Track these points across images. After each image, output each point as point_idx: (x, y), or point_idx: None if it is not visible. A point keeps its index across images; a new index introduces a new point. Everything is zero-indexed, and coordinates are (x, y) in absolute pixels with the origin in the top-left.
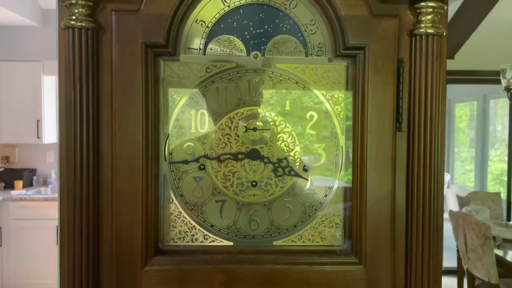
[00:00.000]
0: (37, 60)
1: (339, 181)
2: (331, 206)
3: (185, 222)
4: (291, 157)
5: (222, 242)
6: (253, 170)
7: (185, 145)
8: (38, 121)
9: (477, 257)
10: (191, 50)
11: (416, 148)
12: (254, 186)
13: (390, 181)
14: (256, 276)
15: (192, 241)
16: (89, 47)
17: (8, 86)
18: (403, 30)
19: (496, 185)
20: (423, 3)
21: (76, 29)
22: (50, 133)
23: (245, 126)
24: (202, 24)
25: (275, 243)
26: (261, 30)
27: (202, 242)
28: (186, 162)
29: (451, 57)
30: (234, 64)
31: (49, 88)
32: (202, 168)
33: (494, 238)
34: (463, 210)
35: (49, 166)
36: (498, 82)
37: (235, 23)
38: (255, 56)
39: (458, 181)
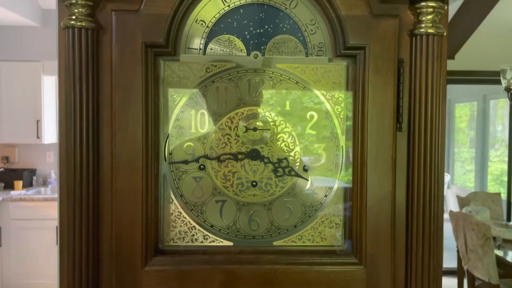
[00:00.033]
0: (37, 60)
1: (339, 181)
2: (331, 206)
3: (185, 222)
4: (291, 157)
5: (222, 242)
6: (253, 170)
7: (185, 145)
8: (38, 121)
9: (477, 257)
10: (191, 50)
11: (417, 148)
12: (254, 186)
13: (390, 181)
14: (256, 276)
15: (192, 241)
16: (89, 47)
17: (8, 86)
18: (403, 30)
19: (496, 186)
20: (423, 3)
21: (76, 29)
22: (50, 133)
23: (245, 126)
24: (202, 24)
25: (275, 243)
26: (261, 30)
27: (202, 242)
28: (186, 162)
29: (451, 57)
30: (234, 64)
31: (49, 88)
32: (202, 168)
33: (494, 238)
34: (463, 210)
35: (49, 166)
36: (498, 82)
37: (235, 23)
38: (255, 56)
39: (458, 181)
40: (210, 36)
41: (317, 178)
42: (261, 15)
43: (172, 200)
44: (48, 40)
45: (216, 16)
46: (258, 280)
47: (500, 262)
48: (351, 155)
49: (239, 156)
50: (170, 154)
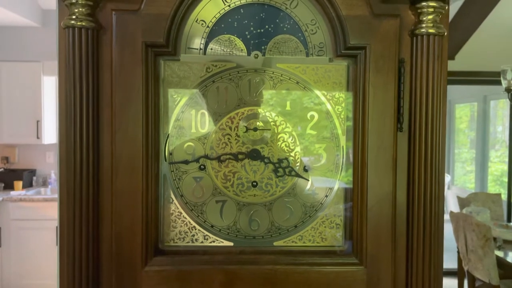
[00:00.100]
0: (37, 61)
1: (339, 181)
2: (332, 207)
3: (185, 223)
4: (291, 158)
5: (222, 242)
6: (254, 170)
7: (185, 145)
8: (38, 121)
9: (477, 258)
10: (192, 50)
11: (417, 148)
12: (254, 186)
13: (391, 181)
14: (256, 276)
15: (192, 242)
16: (89, 46)
17: (8, 87)
18: (404, 30)
19: (496, 186)
20: (424, 3)
21: (76, 28)
22: (50, 133)
23: (245, 126)
24: (202, 24)
25: (275, 243)
26: (262, 30)
27: (202, 242)
28: (186, 162)
29: (452, 58)
30: (235, 64)
31: (49, 89)
32: (202, 168)
33: (494, 239)
34: (464, 211)
35: (49, 166)
36: (498, 83)
37: (235, 23)
38: (256, 56)
39: (458, 182)
40: (211, 36)
41: (317, 179)
42: (261, 15)
43: (172, 200)
44: (48, 40)
45: (216, 16)
46: (259, 281)
47: (501, 263)
48: (351, 155)
49: (240, 156)
50: (170, 154)
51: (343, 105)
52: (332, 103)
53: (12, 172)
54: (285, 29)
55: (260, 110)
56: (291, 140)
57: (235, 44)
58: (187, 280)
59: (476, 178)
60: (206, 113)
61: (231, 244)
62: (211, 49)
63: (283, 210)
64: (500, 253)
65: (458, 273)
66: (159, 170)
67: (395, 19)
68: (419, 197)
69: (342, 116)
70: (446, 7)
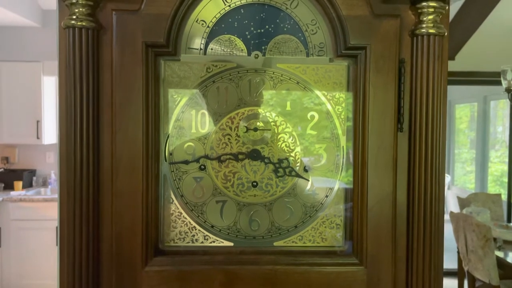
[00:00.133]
0: (37, 61)
1: (340, 181)
2: (332, 207)
3: (185, 223)
4: (291, 158)
5: (223, 242)
6: (254, 170)
7: (186, 145)
8: (38, 121)
9: (477, 258)
10: (192, 50)
11: (418, 148)
12: (254, 186)
13: (391, 181)
14: (256, 276)
15: (193, 242)
16: (90, 46)
17: (8, 87)
18: (404, 30)
19: (496, 187)
20: (424, 3)
21: (76, 28)
22: (50, 133)
23: (245, 126)
24: (202, 24)
25: (275, 243)
26: (262, 30)
27: (202, 242)
28: (186, 162)
29: (452, 58)
30: (235, 64)
31: (49, 89)
32: (202, 168)
33: (494, 239)
34: (464, 211)
35: (49, 166)
36: (498, 83)
37: (236, 23)
38: (256, 56)
39: (458, 182)
40: (211, 36)
41: (317, 179)
42: (261, 15)
43: (173, 201)
44: (48, 40)
45: (216, 16)
46: (259, 281)
47: (501, 263)
48: (351, 155)
49: (240, 156)
50: (170, 154)
51: (343, 105)
52: (332, 103)
53: (12, 172)
54: (285, 29)
55: (260, 110)
56: (291, 140)
57: (236, 44)
58: (187, 280)
59: (476, 179)
60: (206, 113)
61: (231, 244)
62: (212, 49)
63: (283, 210)
64: (500, 254)
65: (458, 274)
66: (159, 170)
67: (396, 19)
68: (419, 197)
69: (342, 116)
70: (447, 7)
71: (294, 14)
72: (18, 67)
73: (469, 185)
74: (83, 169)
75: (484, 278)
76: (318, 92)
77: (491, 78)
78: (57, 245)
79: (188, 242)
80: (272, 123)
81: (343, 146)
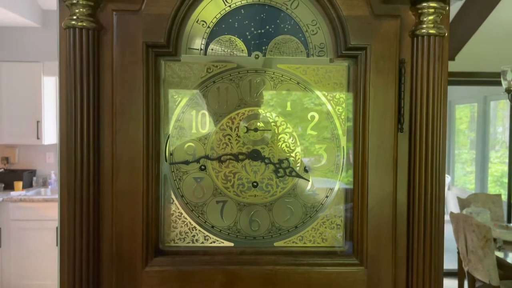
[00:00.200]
0: (37, 61)
1: (340, 182)
2: (332, 207)
3: (185, 223)
4: (292, 158)
5: (223, 243)
6: (254, 170)
7: (186, 145)
8: (38, 122)
9: (477, 259)
10: (192, 50)
11: (418, 148)
12: (255, 186)
13: (391, 181)
14: (257, 277)
15: (193, 242)
16: (90, 47)
17: (8, 87)
18: (404, 31)
19: (496, 187)
20: (424, 4)
21: (77, 29)
22: (50, 134)
23: (246, 127)
24: (203, 24)
25: (276, 244)
26: (262, 31)
27: (202, 243)
28: (186, 162)
29: (452, 58)
30: (235, 64)
31: (49, 89)
32: (202, 168)
33: (494, 240)
34: (464, 212)
35: (49, 167)
36: (498, 83)
37: (236, 23)
38: (256, 56)
39: (458, 183)
40: (211, 36)
41: (318, 179)
42: (262, 15)
43: (173, 201)
44: (48, 40)
45: (217, 17)
46: (259, 281)
47: (501, 264)
48: (352, 156)
49: (240, 157)
50: (171, 154)
51: (343, 105)
52: (332, 103)
53: (12, 173)
54: (285, 29)
55: (260, 110)
56: (292, 140)
57: (236, 44)
58: (187, 280)
59: (476, 179)
60: (207, 114)
61: (232, 244)
62: (212, 49)
63: (283, 210)
64: (500, 254)
65: (458, 274)
66: (159, 171)
67: (396, 20)
68: (420, 197)
69: (342, 117)
70: (447, 8)
71: (294, 15)
72: (18, 67)
73: (469, 186)
74: (84, 169)
75: (484, 278)
76: (318, 93)
77: (491, 79)
78: (57, 245)
79: (188, 243)
80: (273, 124)
81: (343, 147)
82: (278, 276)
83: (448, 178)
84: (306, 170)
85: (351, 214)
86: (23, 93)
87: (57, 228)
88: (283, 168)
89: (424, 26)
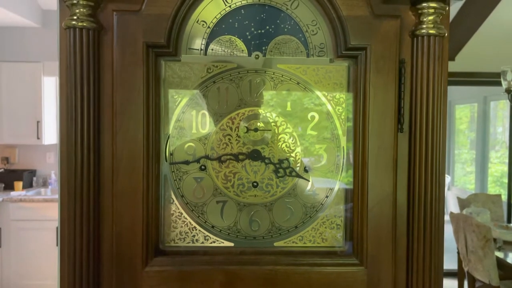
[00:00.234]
0: (37, 61)
1: (340, 182)
2: (332, 207)
3: (185, 223)
4: (292, 158)
5: (223, 243)
6: (254, 170)
7: (186, 145)
8: (38, 122)
9: (477, 259)
10: (192, 50)
11: (418, 149)
12: (255, 187)
13: (391, 182)
14: (257, 277)
15: (193, 242)
16: (90, 47)
17: (8, 87)
18: (404, 31)
19: (496, 187)
20: (424, 4)
21: (77, 29)
22: (50, 134)
23: (246, 127)
24: (203, 25)
25: (276, 244)
26: (263, 31)
27: (202, 243)
28: (187, 162)
29: (452, 58)
30: (235, 64)
31: (49, 89)
32: (203, 168)
33: (494, 240)
34: (464, 212)
35: (49, 167)
36: (498, 84)
37: (236, 24)
38: (256, 56)
39: (458, 183)
40: (211, 36)
41: (318, 179)
42: (262, 15)
43: (173, 201)
44: (48, 40)
45: (217, 17)
46: (259, 281)
47: (501, 264)
48: (352, 156)
49: (240, 157)
50: (171, 154)
51: (343, 105)
52: (332, 103)
53: (12, 173)
54: (285, 29)
55: (260, 110)
56: (292, 140)
57: (236, 44)
58: (187, 280)
59: (476, 179)
60: (207, 114)
61: (232, 244)
62: (212, 49)
63: (283, 210)
64: (500, 254)
65: (458, 274)
66: (159, 171)
67: (396, 20)
68: (420, 197)
69: (342, 117)
70: (447, 8)
71: (294, 15)
72: (18, 68)
73: (469, 186)
74: (84, 169)
75: (484, 278)
76: (318, 93)
77: (491, 79)
78: (57, 245)
79: (188, 243)
80: (273, 124)
81: (343, 147)
82: (278, 276)
83: (448, 178)
84: (306, 170)
85: (351, 214)
86: (23, 93)
87: (57, 228)
88: (283, 168)
89: (424, 26)
